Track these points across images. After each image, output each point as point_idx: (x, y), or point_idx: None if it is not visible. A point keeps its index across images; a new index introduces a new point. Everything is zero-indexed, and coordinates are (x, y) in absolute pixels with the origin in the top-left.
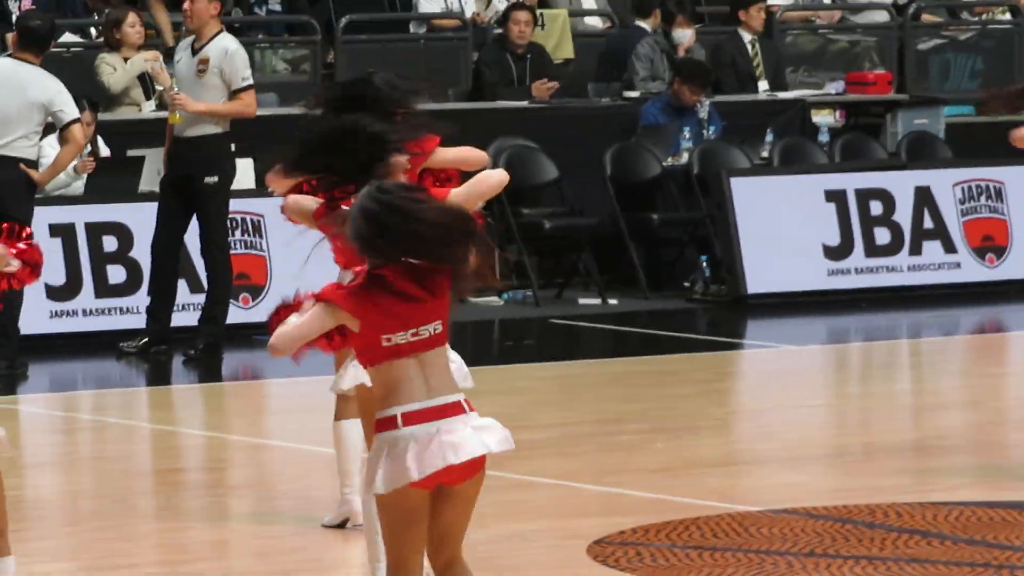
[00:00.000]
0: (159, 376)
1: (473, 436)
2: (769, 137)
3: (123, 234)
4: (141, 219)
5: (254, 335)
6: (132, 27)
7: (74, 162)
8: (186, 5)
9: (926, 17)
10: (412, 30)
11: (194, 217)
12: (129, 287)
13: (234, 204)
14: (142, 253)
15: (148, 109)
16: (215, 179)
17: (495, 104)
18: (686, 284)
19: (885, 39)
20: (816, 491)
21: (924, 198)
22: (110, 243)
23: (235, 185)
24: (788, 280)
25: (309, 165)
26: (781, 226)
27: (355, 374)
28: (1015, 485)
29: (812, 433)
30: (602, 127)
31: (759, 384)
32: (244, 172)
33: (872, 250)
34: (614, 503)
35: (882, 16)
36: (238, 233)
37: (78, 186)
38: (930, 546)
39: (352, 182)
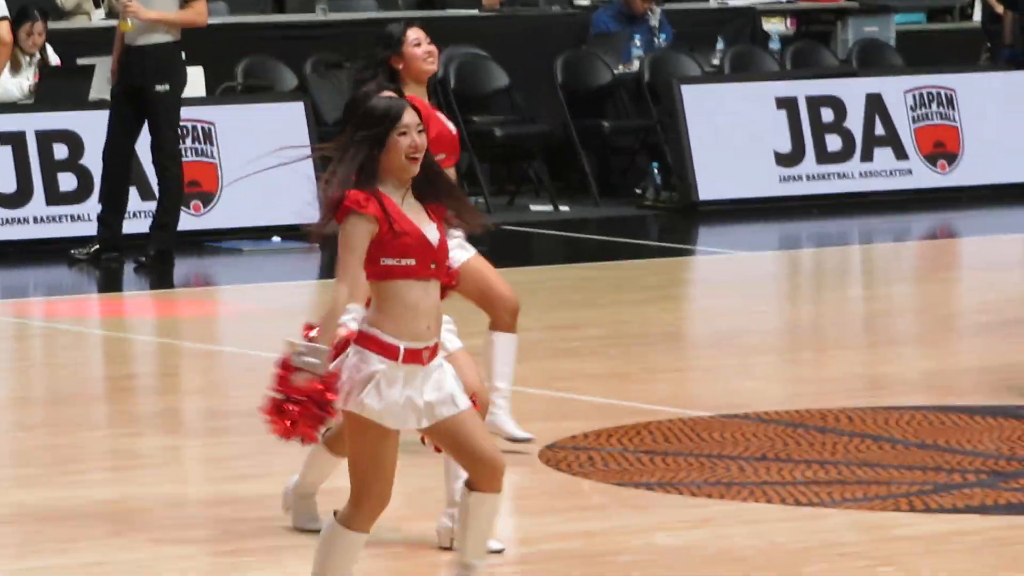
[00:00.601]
0: (110, 283)
1: None
2: (720, 45)
3: (73, 142)
4: (91, 127)
5: (205, 241)
6: None
7: (27, 82)
8: None
9: None
10: None
11: (145, 125)
12: (80, 195)
13: (185, 112)
14: (92, 161)
15: (97, 18)
16: (166, 87)
17: (445, 12)
18: (637, 191)
19: None
20: (768, 396)
21: (875, 105)
22: (60, 151)
23: (186, 93)
24: (739, 187)
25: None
26: (732, 133)
27: None
28: (965, 390)
29: (764, 339)
30: (553, 35)
31: (711, 290)
32: (195, 80)
33: (823, 157)
34: (566, 408)
35: None
36: (189, 141)
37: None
38: (881, 450)
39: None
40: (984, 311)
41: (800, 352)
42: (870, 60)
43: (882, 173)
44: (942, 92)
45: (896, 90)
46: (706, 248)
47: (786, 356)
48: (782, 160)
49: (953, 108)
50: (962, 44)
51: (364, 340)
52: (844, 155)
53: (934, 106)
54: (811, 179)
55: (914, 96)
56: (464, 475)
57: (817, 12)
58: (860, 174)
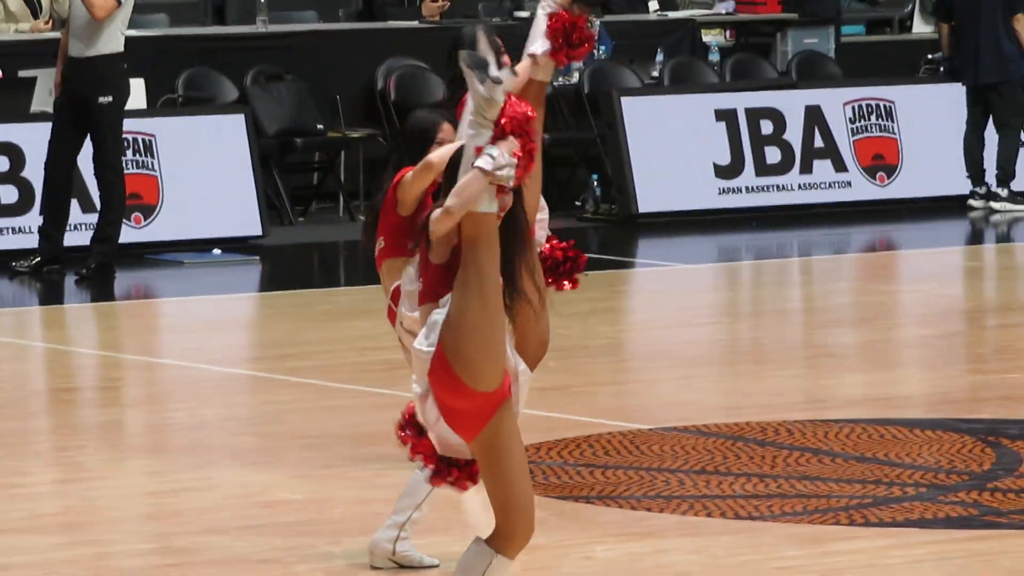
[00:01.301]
0: (51, 295)
1: None
2: (659, 57)
3: (15, 154)
4: (33, 139)
5: (146, 254)
6: None
7: None
8: None
9: None
10: None
11: (88, 137)
12: (21, 207)
13: (126, 124)
14: (34, 173)
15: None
16: (109, 99)
17: (386, 24)
18: (577, 203)
19: None
20: (707, 409)
21: (814, 117)
22: (1, 163)
23: (128, 105)
24: (679, 199)
25: None
26: (671, 145)
27: None
28: (905, 402)
29: (703, 351)
30: None
31: (650, 302)
32: (136, 92)
33: (763, 169)
34: None
35: None
36: (130, 153)
37: None
38: (821, 463)
39: None
40: (923, 324)
41: (739, 365)
42: (809, 72)
43: (821, 185)
44: (881, 104)
45: (835, 102)
46: (646, 260)
47: (726, 369)
48: (721, 172)
49: (892, 120)
50: (902, 56)
51: None
52: (783, 167)
53: (873, 118)
54: (750, 191)
55: (853, 108)
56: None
57: (756, 24)
58: (799, 186)
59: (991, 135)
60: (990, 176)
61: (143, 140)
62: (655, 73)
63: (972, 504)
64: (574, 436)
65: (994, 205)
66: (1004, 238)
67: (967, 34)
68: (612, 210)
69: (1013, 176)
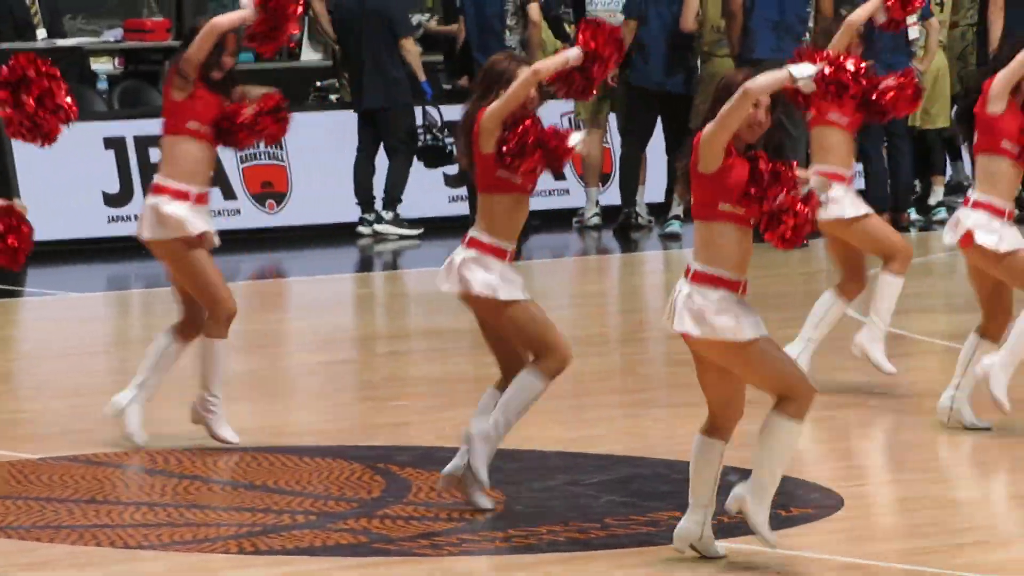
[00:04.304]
0: None
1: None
2: None
3: None
4: None
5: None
6: None
7: None
8: None
9: None
10: None
11: None
12: None
13: None
14: None
15: None
16: None
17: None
18: None
19: None
20: (94, 439)
21: None
22: None
23: None
24: (69, 227)
25: None
26: (60, 173)
27: None
28: (293, 431)
29: (96, 381)
30: None
31: (40, 332)
32: None
33: None
34: None
35: None
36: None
37: None
38: (210, 491)
39: None
40: (313, 351)
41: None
42: None
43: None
44: None
45: None
46: (35, 289)
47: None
48: (111, 200)
49: (281, 148)
50: (292, 83)
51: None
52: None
53: (262, 146)
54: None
55: None
56: None
57: (146, 51)
58: None
59: (381, 160)
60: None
61: None
62: None
63: (362, 531)
64: None
65: (378, 228)
66: (391, 265)
67: (354, 59)
68: None
69: (399, 200)
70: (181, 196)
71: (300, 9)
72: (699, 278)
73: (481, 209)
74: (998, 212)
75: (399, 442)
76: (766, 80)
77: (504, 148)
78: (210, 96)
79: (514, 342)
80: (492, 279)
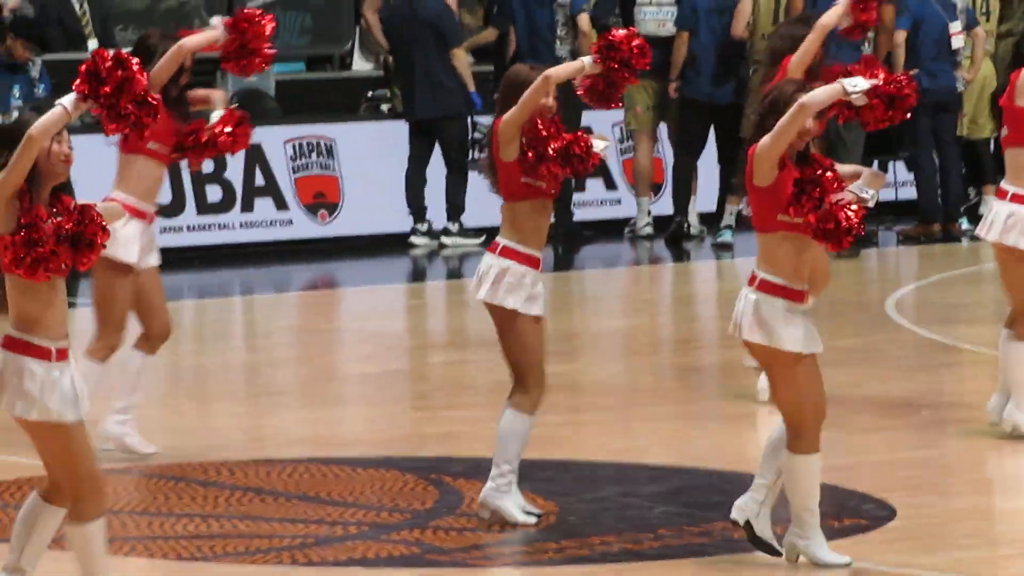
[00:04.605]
0: None
1: None
2: None
3: None
4: None
5: None
6: None
7: None
8: None
9: None
10: None
11: None
12: None
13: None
14: None
15: None
16: None
17: None
18: None
19: None
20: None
21: (255, 155)
22: None
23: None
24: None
25: None
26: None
27: None
28: (347, 441)
29: (145, 392)
30: None
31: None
32: None
33: (204, 207)
34: None
35: None
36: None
37: None
38: (263, 503)
39: None
40: (365, 361)
41: (182, 405)
42: (250, 110)
43: (263, 223)
44: (322, 142)
45: (276, 140)
46: (86, 300)
47: (167, 409)
48: (163, 211)
49: (332, 158)
50: (342, 93)
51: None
52: (225, 206)
53: (314, 156)
54: (192, 230)
55: (294, 146)
56: None
57: (199, 61)
58: (241, 224)
59: (433, 172)
60: (433, 212)
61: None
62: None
63: (415, 543)
64: (15, 478)
65: (445, 240)
66: (455, 274)
67: (406, 69)
68: None
69: (462, 209)
70: (138, 215)
71: (271, 29)
72: (764, 286)
73: (508, 218)
74: None
75: (452, 452)
76: (822, 94)
77: (528, 154)
78: (168, 116)
79: (506, 355)
80: (516, 290)
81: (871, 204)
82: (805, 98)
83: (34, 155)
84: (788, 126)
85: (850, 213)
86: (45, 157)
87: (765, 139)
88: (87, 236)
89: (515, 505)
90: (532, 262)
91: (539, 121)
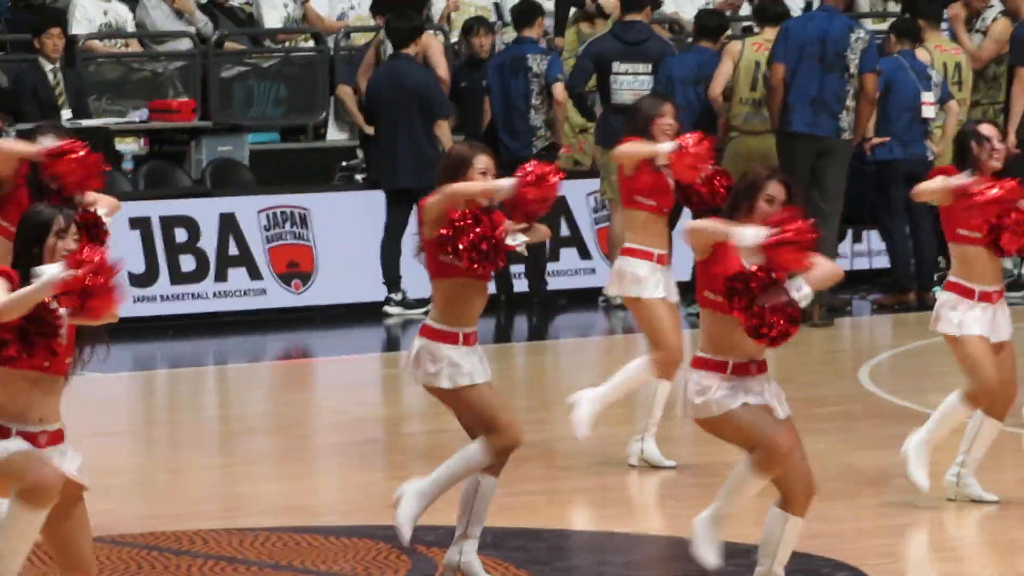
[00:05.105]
0: None
1: None
2: None
3: None
4: None
5: None
6: None
7: None
8: None
9: (229, 45)
10: None
11: None
12: None
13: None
14: None
15: None
16: None
17: None
18: None
19: (189, 67)
20: (122, 518)
21: (229, 224)
22: None
23: None
24: None
25: None
26: None
27: None
28: (319, 510)
29: (118, 460)
30: None
31: (66, 411)
32: None
33: (177, 277)
34: None
35: (185, 44)
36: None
37: None
38: (236, 572)
39: None
40: (339, 430)
41: (154, 473)
42: (224, 179)
43: (236, 292)
44: (295, 211)
45: (249, 209)
46: None
47: (141, 477)
48: (136, 281)
49: (306, 227)
50: (317, 163)
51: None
52: (198, 275)
53: (288, 225)
54: (165, 299)
55: (267, 216)
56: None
57: (171, 132)
58: (214, 294)
59: (409, 242)
60: (407, 282)
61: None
62: None
63: None
64: None
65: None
66: None
67: (388, 137)
68: None
69: None
70: None
71: (92, 165)
72: (695, 363)
73: (432, 295)
74: None
75: (425, 522)
76: (716, 229)
77: (442, 236)
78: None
79: (470, 425)
80: (436, 368)
81: (804, 304)
82: (728, 231)
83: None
84: (714, 233)
85: (780, 319)
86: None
87: (704, 222)
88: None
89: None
90: (449, 338)
91: (464, 210)
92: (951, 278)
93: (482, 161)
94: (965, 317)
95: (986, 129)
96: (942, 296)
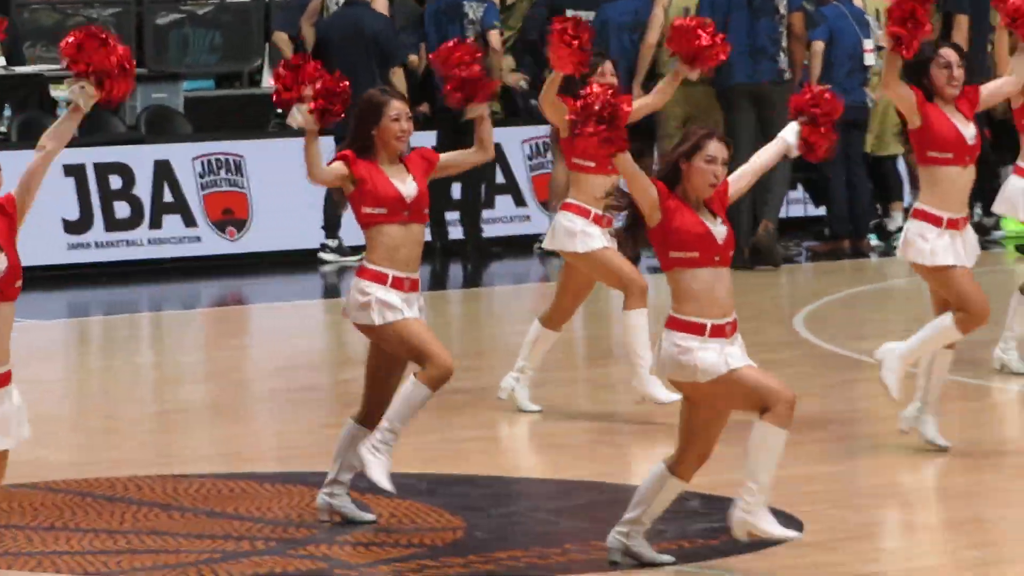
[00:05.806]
0: None
1: None
2: (7, 112)
3: None
4: None
5: None
6: None
7: None
8: None
9: None
10: None
11: None
12: None
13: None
14: None
15: None
16: None
17: None
18: None
19: (124, 14)
20: (56, 465)
21: (164, 172)
22: None
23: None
24: (28, 255)
25: None
26: None
27: None
28: (253, 457)
29: (52, 407)
30: None
31: None
32: None
33: (112, 224)
34: None
35: None
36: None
37: None
38: (171, 519)
39: None
40: (274, 378)
41: (89, 421)
42: (159, 127)
43: (171, 240)
44: (230, 159)
45: (184, 157)
46: None
47: (75, 424)
48: (71, 227)
49: (242, 175)
50: (252, 110)
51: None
52: (133, 222)
53: (223, 172)
54: (100, 246)
55: (203, 163)
56: None
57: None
58: (149, 241)
59: None
60: (345, 230)
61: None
62: (3, 128)
63: (322, 558)
64: None
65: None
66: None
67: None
68: None
69: None
70: None
71: None
72: (670, 323)
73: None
74: None
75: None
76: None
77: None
78: None
79: (402, 357)
80: (365, 302)
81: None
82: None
83: None
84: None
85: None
86: None
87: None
88: None
89: (383, 469)
90: (378, 277)
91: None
92: (918, 205)
93: (395, 107)
94: (934, 246)
95: (948, 54)
96: (910, 224)
